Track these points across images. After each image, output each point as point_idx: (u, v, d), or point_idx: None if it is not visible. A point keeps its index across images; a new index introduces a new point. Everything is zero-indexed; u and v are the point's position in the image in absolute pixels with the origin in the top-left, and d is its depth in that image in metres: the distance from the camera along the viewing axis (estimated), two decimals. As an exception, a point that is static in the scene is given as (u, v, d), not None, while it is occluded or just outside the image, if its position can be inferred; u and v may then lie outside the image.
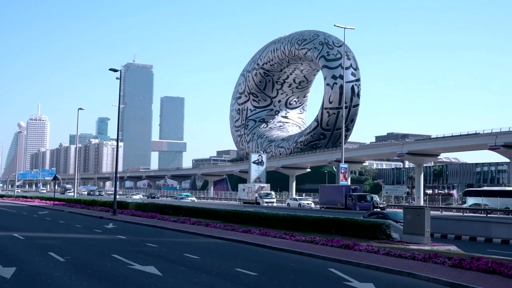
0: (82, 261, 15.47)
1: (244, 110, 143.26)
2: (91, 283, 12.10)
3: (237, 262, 15.93)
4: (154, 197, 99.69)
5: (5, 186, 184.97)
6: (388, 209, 50.48)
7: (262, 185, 76.63)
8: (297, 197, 74.51)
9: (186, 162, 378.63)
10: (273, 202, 68.47)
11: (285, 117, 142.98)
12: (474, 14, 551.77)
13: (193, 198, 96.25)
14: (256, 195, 71.78)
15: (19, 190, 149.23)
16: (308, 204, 64.13)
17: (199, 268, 14.70)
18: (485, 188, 76.74)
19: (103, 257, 16.34)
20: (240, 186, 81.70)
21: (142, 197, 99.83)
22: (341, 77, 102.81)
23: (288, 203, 68.17)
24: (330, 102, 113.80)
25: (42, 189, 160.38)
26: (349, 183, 66.60)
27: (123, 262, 15.44)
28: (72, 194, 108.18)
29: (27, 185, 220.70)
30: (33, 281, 12.16)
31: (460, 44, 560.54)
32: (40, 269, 13.86)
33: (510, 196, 58.25)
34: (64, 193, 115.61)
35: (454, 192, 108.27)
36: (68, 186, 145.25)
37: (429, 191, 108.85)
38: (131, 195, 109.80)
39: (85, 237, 23.70)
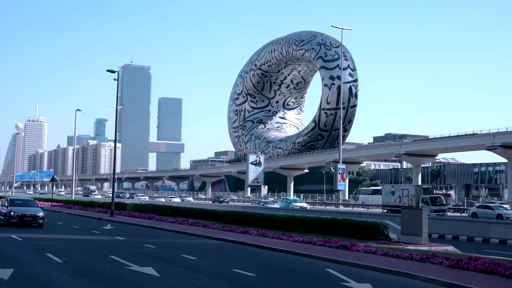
0: (80, 262, 15.46)
1: (242, 111, 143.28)
2: (89, 284, 12.10)
3: (235, 263, 15.94)
4: (222, 201, 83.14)
5: (3, 188, 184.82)
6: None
7: (424, 186, 57.03)
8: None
9: (184, 163, 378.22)
10: (444, 210, 47.76)
11: (283, 118, 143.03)
12: (472, 15, 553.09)
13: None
14: (414, 199, 48.83)
15: (10, 192, 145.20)
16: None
17: (197, 269, 14.71)
18: (372, 188, 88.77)
19: (101, 258, 16.33)
20: (387, 187, 56.91)
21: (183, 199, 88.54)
22: (339, 77, 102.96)
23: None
24: (328, 103, 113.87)
25: (29, 191, 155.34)
26: (346, 185, 66.89)
27: (121, 263, 15.44)
28: (99, 196, 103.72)
29: (25, 187, 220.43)
30: (30, 282, 12.15)
31: (458, 45, 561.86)
32: (37, 270, 13.85)
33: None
34: (88, 196, 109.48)
35: (452, 192, 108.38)
36: (92, 187, 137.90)
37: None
38: (170, 197, 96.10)
39: (83, 238, 23.68)
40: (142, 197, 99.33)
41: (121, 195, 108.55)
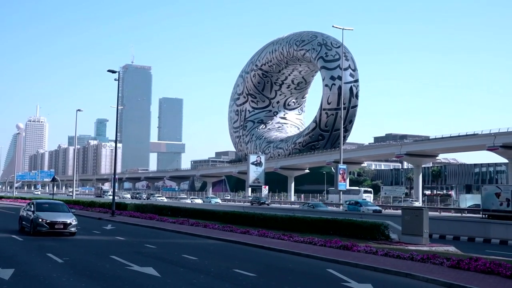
0: (80, 262, 15.47)
1: (243, 111, 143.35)
2: (90, 284, 12.10)
3: (236, 263, 15.94)
4: (262, 203, 71.86)
5: (3, 188, 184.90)
6: None
7: None
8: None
9: (185, 163, 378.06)
10: None
11: (284, 118, 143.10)
12: (473, 15, 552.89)
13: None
14: None
15: (9, 192, 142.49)
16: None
17: (197, 269, 14.71)
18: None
19: (102, 258, 16.34)
20: (489, 188, 45.57)
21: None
22: (340, 78, 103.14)
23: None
24: (329, 103, 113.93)
25: (36, 192, 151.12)
26: (347, 185, 66.84)
27: (122, 263, 15.44)
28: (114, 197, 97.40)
29: (25, 187, 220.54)
30: (31, 282, 12.16)
31: (459, 45, 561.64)
32: (38, 270, 13.85)
33: (355, 193, 76.50)
34: (101, 196, 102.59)
35: (453, 192, 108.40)
36: (105, 188, 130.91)
37: (428, 192, 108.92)
38: (192, 198, 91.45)
39: (84, 238, 23.68)
40: (159, 198, 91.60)
41: (137, 195, 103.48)
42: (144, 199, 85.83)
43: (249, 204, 70.69)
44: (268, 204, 71.96)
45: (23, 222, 25.59)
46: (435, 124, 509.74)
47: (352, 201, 56.97)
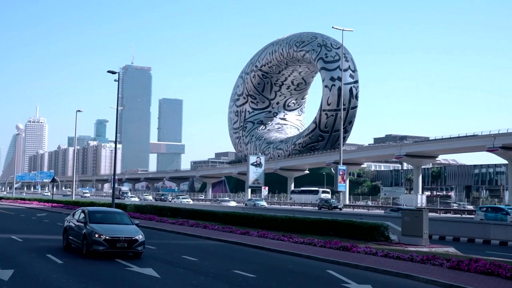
0: (80, 263, 15.45)
1: (243, 112, 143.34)
2: (89, 285, 12.09)
3: (235, 264, 15.93)
4: (334, 207, 64.53)
5: (3, 188, 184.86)
6: None
7: None
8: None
9: (185, 164, 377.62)
10: None
11: (284, 119, 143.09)
12: (473, 15, 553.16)
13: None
14: None
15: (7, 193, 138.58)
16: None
17: (197, 270, 14.70)
18: (302, 188, 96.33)
19: (101, 260, 16.31)
20: None
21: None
22: (339, 79, 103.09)
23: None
24: (329, 104, 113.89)
25: (46, 192, 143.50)
26: (347, 186, 66.72)
27: (121, 264, 15.43)
28: (136, 199, 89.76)
29: (25, 187, 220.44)
30: (31, 283, 12.15)
31: (458, 46, 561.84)
32: (38, 271, 13.84)
33: (315, 194, 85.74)
34: (119, 198, 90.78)
35: (452, 193, 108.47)
36: (124, 188, 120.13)
37: (428, 193, 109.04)
38: (221, 200, 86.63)
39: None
40: (184, 200, 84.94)
41: (162, 197, 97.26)
42: (170, 201, 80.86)
43: (317, 208, 64.77)
44: (340, 209, 63.06)
45: (70, 237, 18.71)
46: (435, 125, 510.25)
47: (488, 207, 41.66)
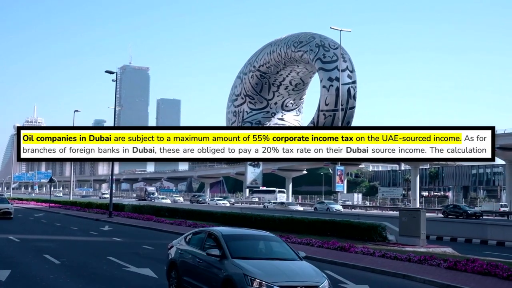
0: (77, 264, 15.43)
1: (240, 112, 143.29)
2: (87, 285, 12.08)
3: (233, 264, 15.84)
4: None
5: (0, 188, 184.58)
6: None
7: None
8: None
9: (182, 165, 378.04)
10: None
11: (282, 119, 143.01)
12: (473, 15, 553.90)
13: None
14: None
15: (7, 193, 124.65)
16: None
17: (194, 270, 14.63)
18: (260, 188, 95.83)
19: (99, 260, 16.31)
20: None
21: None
22: (337, 79, 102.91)
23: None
24: (326, 104, 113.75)
25: (58, 192, 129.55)
26: (344, 186, 66.66)
27: (119, 264, 15.42)
28: (168, 201, 79.99)
29: (22, 187, 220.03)
30: (28, 283, 12.13)
31: (457, 45, 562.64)
32: (35, 271, 13.82)
33: (271, 193, 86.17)
34: (145, 199, 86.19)
35: (450, 194, 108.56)
36: (151, 189, 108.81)
37: (425, 193, 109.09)
38: (266, 202, 73.10)
39: (81, 240, 23.65)
40: (220, 202, 75.35)
41: (200, 199, 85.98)
42: (208, 204, 72.52)
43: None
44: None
45: (186, 279, 10.92)
46: (433, 125, 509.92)
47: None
